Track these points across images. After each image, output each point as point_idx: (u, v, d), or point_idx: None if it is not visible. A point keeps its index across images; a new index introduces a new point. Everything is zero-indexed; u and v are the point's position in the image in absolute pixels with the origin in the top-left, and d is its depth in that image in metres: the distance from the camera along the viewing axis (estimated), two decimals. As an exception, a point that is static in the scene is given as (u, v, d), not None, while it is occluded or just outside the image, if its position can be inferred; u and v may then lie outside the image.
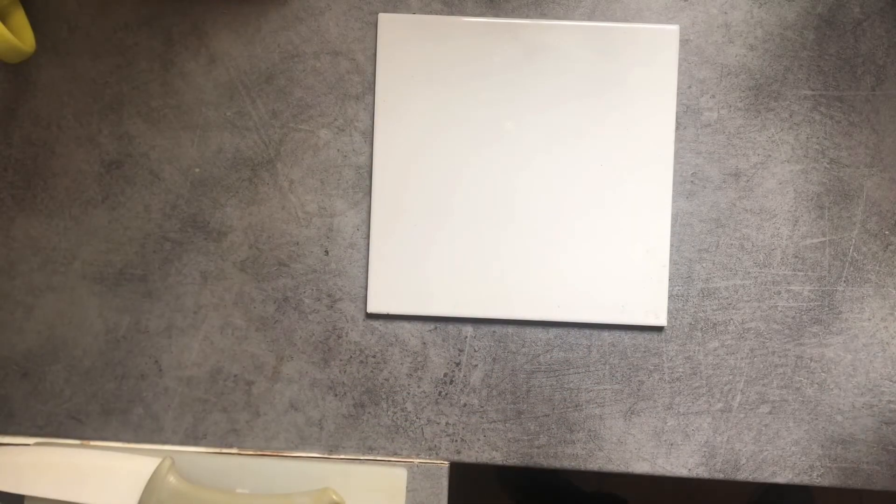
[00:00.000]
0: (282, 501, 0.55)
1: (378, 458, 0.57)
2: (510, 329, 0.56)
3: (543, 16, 0.56)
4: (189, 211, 0.57)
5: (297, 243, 0.57)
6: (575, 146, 0.55)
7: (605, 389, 0.56)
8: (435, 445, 0.56)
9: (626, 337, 0.56)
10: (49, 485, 0.56)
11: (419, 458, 0.56)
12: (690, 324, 0.56)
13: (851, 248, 0.56)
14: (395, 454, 0.57)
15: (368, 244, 0.56)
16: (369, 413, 0.57)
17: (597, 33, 0.55)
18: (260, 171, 0.57)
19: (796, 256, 0.56)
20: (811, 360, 0.56)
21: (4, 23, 0.52)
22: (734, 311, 0.56)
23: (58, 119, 0.57)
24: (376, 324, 0.57)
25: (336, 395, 0.57)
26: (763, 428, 0.56)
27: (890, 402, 0.55)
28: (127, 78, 0.57)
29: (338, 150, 0.57)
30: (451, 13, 0.54)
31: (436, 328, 0.56)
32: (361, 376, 0.56)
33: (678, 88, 0.55)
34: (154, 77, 0.57)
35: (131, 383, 0.57)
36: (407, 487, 0.56)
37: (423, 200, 0.56)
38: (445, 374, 0.56)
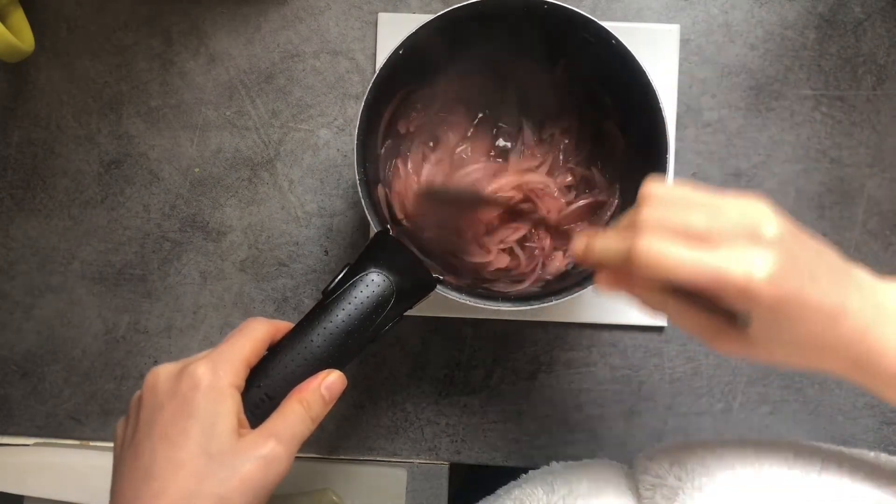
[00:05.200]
0: (282, 502, 0.54)
1: (378, 459, 0.57)
2: (510, 329, 0.56)
3: (544, 15, 0.56)
4: (188, 211, 0.57)
5: (297, 243, 0.57)
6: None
7: (606, 389, 0.56)
8: (435, 446, 0.56)
9: (627, 337, 0.56)
10: (49, 485, 0.56)
11: (419, 459, 0.56)
12: (691, 324, 0.56)
13: (852, 248, 0.56)
14: (395, 454, 0.56)
15: (368, 244, 0.56)
16: (369, 413, 0.56)
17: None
18: (259, 171, 0.57)
19: (797, 256, 0.56)
20: (812, 361, 0.55)
21: (3, 22, 0.52)
22: (735, 312, 0.56)
23: (57, 119, 0.57)
24: (376, 324, 0.56)
25: (336, 396, 0.56)
26: (764, 428, 0.56)
27: (891, 402, 0.55)
28: (126, 77, 0.57)
29: (338, 149, 0.57)
30: (451, 13, 0.54)
31: (436, 328, 0.56)
32: (361, 376, 0.56)
33: (679, 88, 0.55)
34: (153, 77, 0.57)
35: (131, 384, 0.57)
36: (407, 488, 0.56)
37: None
38: (445, 375, 0.56)
